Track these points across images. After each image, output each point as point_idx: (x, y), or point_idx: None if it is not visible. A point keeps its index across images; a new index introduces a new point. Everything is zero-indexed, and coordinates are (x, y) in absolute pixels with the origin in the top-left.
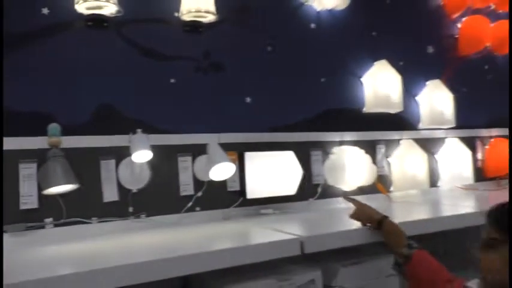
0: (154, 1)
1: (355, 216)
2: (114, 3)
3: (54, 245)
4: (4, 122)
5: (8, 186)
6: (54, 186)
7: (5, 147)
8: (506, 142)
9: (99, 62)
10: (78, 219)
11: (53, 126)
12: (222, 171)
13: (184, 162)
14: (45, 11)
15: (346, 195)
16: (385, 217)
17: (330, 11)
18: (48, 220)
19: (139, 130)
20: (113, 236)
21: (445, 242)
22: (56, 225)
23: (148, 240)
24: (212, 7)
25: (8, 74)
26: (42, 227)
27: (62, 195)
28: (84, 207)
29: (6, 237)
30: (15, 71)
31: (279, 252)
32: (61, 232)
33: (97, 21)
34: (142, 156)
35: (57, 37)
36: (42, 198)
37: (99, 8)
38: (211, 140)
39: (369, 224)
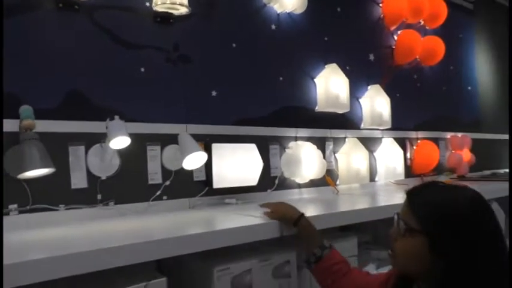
0: None
1: (271, 215)
2: None
3: (19, 232)
4: None
5: None
6: (30, 170)
7: None
8: (430, 144)
9: (70, 46)
10: (45, 205)
11: (26, 108)
12: (194, 160)
13: (153, 151)
14: None
15: (260, 204)
16: (302, 215)
17: (289, 13)
18: (13, 206)
19: (116, 116)
20: (81, 223)
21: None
22: (21, 212)
23: (119, 227)
24: (186, 0)
25: None
26: (7, 214)
27: (27, 181)
28: (51, 193)
29: None
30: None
31: (262, 234)
32: (27, 219)
33: (68, 3)
34: (120, 142)
35: (26, 16)
36: (6, 183)
37: None
38: (181, 130)
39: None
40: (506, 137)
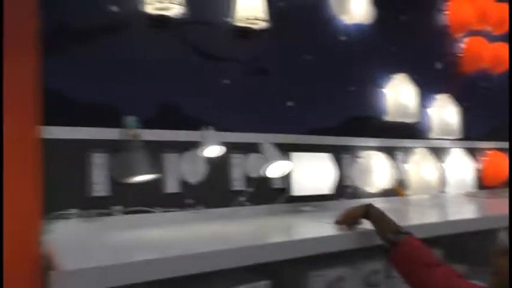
0: (209, 6)
1: (342, 220)
2: (180, 4)
3: (123, 232)
4: (74, 112)
5: (80, 175)
6: (139, 175)
7: (77, 136)
8: (502, 155)
9: (162, 60)
10: (143, 208)
11: (132, 119)
12: (276, 168)
13: (236, 159)
14: (114, 8)
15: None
16: (369, 205)
17: (357, 25)
18: (117, 208)
19: (211, 127)
20: (175, 225)
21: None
22: (123, 213)
23: (215, 230)
24: (265, 15)
25: (78, 68)
26: (112, 214)
27: (129, 185)
28: (148, 197)
29: (81, 222)
30: (83, 65)
31: (358, 243)
32: (128, 219)
33: (160, 21)
34: (213, 151)
35: (123, 34)
36: (112, 187)
37: (167, 9)
38: (261, 139)
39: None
40: None
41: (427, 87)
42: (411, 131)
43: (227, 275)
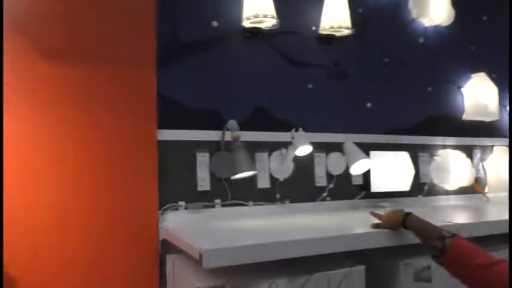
0: (297, 16)
1: (380, 225)
2: (273, 17)
3: (223, 221)
4: (183, 117)
5: (187, 172)
6: (242, 172)
7: (185, 138)
8: None
9: (255, 68)
10: (239, 201)
11: (233, 123)
12: (359, 166)
13: (319, 157)
14: (214, 23)
15: (372, 212)
16: (407, 214)
17: (436, 26)
18: (217, 201)
19: (300, 128)
20: (267, 217)
21: None
22: (222, 206)
23: (304, 221)
24: (347, 23)
25: (186, 77)
26: (212, 206)
27: (226, 181)
28: (243, 191)
29: (188, 213)
30: (190, 74)
31: None
32: (226, 211)
33: (254, 33)
34: (304, 150)
35: (222, 46)
36: (213, 182)
37: (261, 22)
38: (343, 139)
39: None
40: None
41: (506, 86)
42: (490, 129)
43: (326, 261)
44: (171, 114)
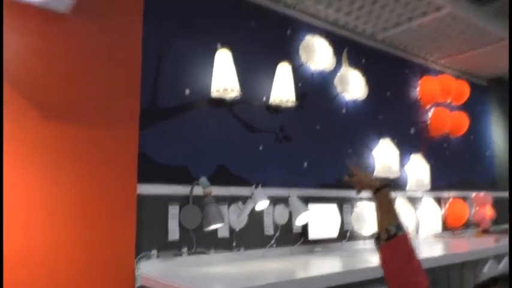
0: (252, 88)
1: (356, 179)
2: (237, 91)
3: (191, 268)
4: (156, 172)
5: (159, 223)
6: (214, 224)
7: (159, 192)
8: (460, 202)
9: (218, 131)
10: (203, 250)
11: (204, 180)
12: (303, 218)
13: (267, 209)
14: (187, 91)
15: (349, 163)
16: (385, 186)
17: (355, 100)
18: (184, 250)
19: (259, 184)
20: (227, 263)
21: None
22: (189, 254)
23: (256, 267)
24: (293, 96)
25: (162, 138)
26: (180, 255)
27: (192, 231)
28: (206, 241)
29: (159, 261)
30: (164, 135)
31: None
32: (192, 259)
33: (219, 101)
34: (262, 205)
35: (193, 111)
36: (181, 232)
37: (226, 93)
38: (286, 193)
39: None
40: None
41: (405, 149)
42: (394, 185)
43: None
44: (147, 170)
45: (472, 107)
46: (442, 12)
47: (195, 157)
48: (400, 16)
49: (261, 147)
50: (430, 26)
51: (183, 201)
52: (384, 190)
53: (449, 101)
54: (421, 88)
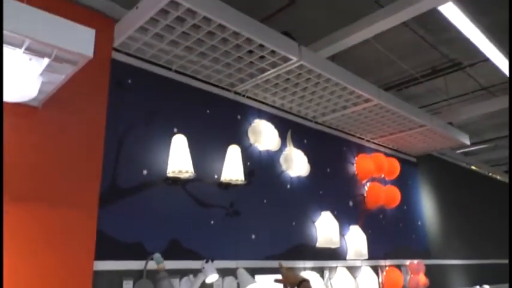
0: (204, 167)
1: (283, 280)
2: (191, 172)
3: None
4: (112, 249)
5: None
6: None
7: (114, 267)
8: (395, 270)
9: (172, 208)
10: None
11: (158, 256)
12: None
13: (217, 281)
14: (145, 172)
15: (281, 264)
16: (304, 280)
17: (298, 177)
18: None
19: (210, 259)
20: None
21: None
22: None
23: None
24: (242, 175)
25: (119, 216)
26: None
27: None
28: None
29: None
30: (122, 213)
31: None
32: None
33: (174, 181)
34: (212, 278)
35: (150, 190)
36: None
37: (180, 173)
38: (235, 265)
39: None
40: (453, 261)
41: (344, 220)
42: (334, 254)
43: None
44: (105, 247)
45: (404, 181)
46: (370, 103)
47: (149, 233)
48: (336, 104)
49: (212, 222)
50: (362, 113)
51: (137, 275)
52: (304, 283)
53: (382, 175)
54: (357, 164)
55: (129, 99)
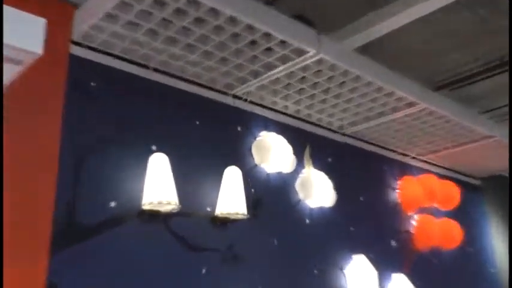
0: (192, 197)
1: None
2: (175, 204)
3: None
4: None
5: None
6: None
7: None
8: None
9: (150, 252)
10: None
11: None
12: None
13: None
14: (112, 204)
15: None
16: None
17: (321, 208)
18: None
19: None
20: None
21: None
22: None
23: None
24: (244, 208)
25: (75, 263)
26: None
27: None
28: None
29: None
30: (81, 259)
31: None
32: None
33: (152, 215)
34: None
35: (117, 228)
36: None
37: (160, 205)
38: None
39: None
40: None
41: (384, 266)
42: None
43: None
44: None
45: (465, 211)
46: (416, 107)
47: (119, 285)
48: (370, 110)
49: (203, 271)
50: (404, 121)
51: None
52: None
53: (435, 205)
54: (401, 190)
55: (92, 107)
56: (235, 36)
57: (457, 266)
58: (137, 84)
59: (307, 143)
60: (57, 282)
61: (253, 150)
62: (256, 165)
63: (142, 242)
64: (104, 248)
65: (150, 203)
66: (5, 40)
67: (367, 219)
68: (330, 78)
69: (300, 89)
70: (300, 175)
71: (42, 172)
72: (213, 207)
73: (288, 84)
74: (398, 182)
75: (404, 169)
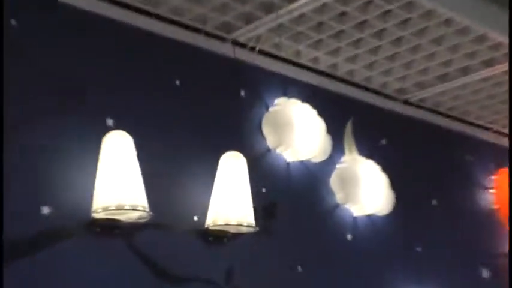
0: (171, 201)
1: None
2: (145, 210)
3: None
4: None
5: None
6: None
7: None
8: None
9: (103, 284)
10: None
11: None
12: None
13: None
14: (45, 210)
15: None
16: None
17: (369, 217)
18: None
19: None
20: None
21: None
22: None
23: None
24: (251, 218)
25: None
26: None
27: None
28: None
29: None
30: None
31: None
32: None
33: (107, 227)
34: None
35: (53, 248)
36: None
37: (121, 213)
38: None
39: None
40: None
41: None
42: None
43: None
44: None
45: None
46: None
47: None
48: (449, 65)
49: None
50: (501, 81)
51: None
52: None
53: None
54: (497, 190)
55: (18, 60)
56: None
57: None
58: (85, 23)
59: (349, 116)
60: None
61: (265, 128)
62: (269, 150)
63: (91, 267)
64: (31, 277)
65: (105, 209)
66: None
67: (443, 233)
68: (386, 13)
69: (339, 32)
70: (338, 166)
71: None
72: (203, 215)
73: (320, 24)
74: (493, 178)
75: (503, 157)
